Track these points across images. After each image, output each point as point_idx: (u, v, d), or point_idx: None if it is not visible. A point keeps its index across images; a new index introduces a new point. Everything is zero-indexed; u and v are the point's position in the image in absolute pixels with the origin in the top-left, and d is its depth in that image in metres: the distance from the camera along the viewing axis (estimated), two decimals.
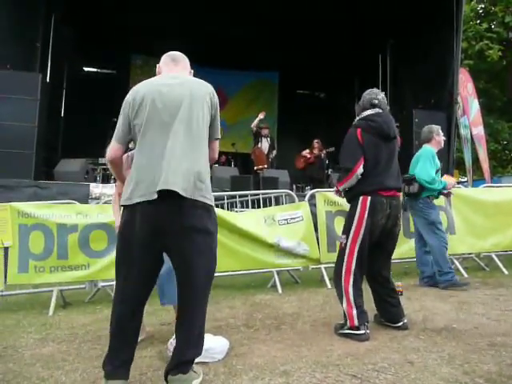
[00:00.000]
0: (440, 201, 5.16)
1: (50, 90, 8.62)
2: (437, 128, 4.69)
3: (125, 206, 2.17)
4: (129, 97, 2.27)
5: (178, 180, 2.04)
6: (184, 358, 2.11)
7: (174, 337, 2.39)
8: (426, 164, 4.41)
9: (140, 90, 2.25)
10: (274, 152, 9.74)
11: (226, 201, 5.47)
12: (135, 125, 2.21)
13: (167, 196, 2.02)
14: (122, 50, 12.13)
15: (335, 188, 3.30)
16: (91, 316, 3.84)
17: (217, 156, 2.49)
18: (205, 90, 2.32)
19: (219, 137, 2.45)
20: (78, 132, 10.68)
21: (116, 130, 2.28)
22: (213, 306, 3.92)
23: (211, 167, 2.49)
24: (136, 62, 13.27)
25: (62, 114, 11.59)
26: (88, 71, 13.39)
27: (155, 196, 2.04)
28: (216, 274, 4.66)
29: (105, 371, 2.12)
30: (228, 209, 5.45)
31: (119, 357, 2.14)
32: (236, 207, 5.76)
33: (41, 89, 7.59)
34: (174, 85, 2.26)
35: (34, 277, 4.19)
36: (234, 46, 11.42)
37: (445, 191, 4.57)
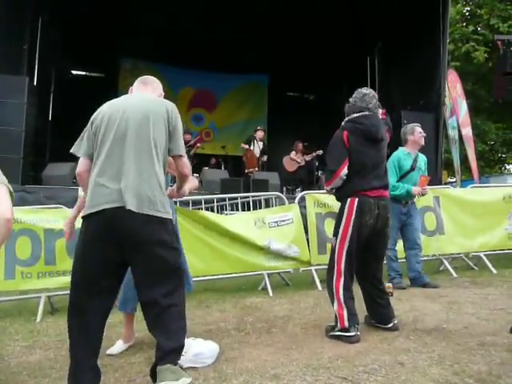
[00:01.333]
0: (428, 201, 5.21)
1: (37, 94, 8.53)
2: (411, 127, 4.64)
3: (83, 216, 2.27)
4: (93, 116, 2.40)
5: (131, 196, 2.14)
6: (168, 347, 2.14)
7: None
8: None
9: (102, 110, 2.39)
10: (265, 157, 9.75)
11: (215, 204, 5.45)
12: (96, 140, 2.32)
13: (124, 211, 2.12)
14: (110, 53, 12.04)
15: (325, 187, 3.31)
16: None
17: (187, 171, 2.49)
18: (162, 107, 2.39)
19: (182, 153, 2.43)
20: (66, 135, 10.54)
21: (82, 146, 2.38)
22: (203, 310, 3.90)
23: (176, 182, 2.61)
24: (125, 66, 13.19)
25: (50, 118, 11.46)
26: (76, 74, 13.29)
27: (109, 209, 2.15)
28: (206, 278, 4.69)
29: None
30: (218, 212, 5.43)
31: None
32: (226, 210, 5.74)
33: (28, 92, 7.51)
34: (131, 103, 2.39)
35: (21, 283, 4.13)
36: (224, 49, 11.43)
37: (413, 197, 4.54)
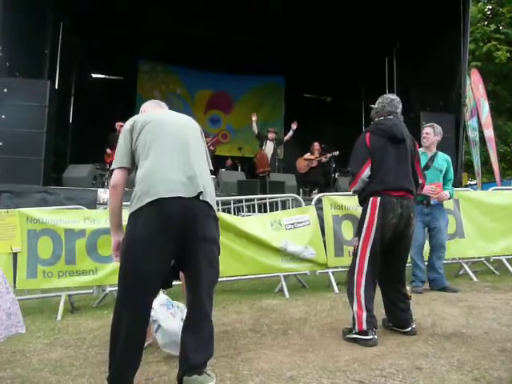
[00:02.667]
0: (448, 204, 5.12)
1: (58, 97, 8.71)
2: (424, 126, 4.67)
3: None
4: (126, 127, 2.38)
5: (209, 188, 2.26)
6: (195, 361, 2.10)
7: None
8: None
9: (138, 119, 2.39)
10: (280, 155, 9.73)
11: (232, 205, 5.47)
12: (143, 145, 2.28)
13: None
14: (129, 55, 12.21)
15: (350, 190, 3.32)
16: (99, 321, 3.85)
17: None
18: (196, 123, 2.57)
19: (212, 168, 2.56)
20: (85, 138, 10.77)
21: (121, 159, 2.33)
22: (219, 311, 3.91)
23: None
24: (143, 68, 13.36)
25: (71, 120, 11.68)
26: (96, 77, 13.50)
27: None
28: (223, 279, 4.72)
29: None
30: (234, 213, 5.45)
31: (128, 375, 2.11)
32: (242, 211, 5.76)
33: (49, 95, 7.65)
34: (169, 114, 2.54)
35: (43, 282, 4.22)
36: (240, 51, 11.45)
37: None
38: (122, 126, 9.18)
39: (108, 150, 9.02)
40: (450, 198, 4.62)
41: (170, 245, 2.11)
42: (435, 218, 4.51)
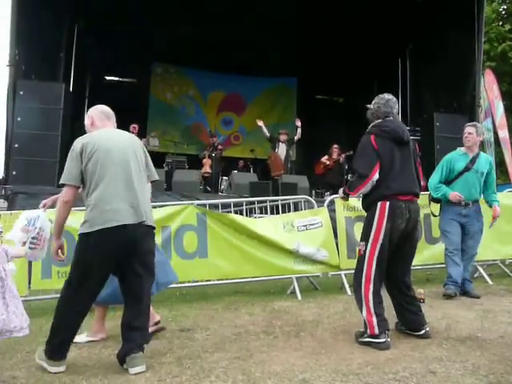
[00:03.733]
0: None
1: (72, 99, 8.83)
2: (465, 126, 4.55)
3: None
4: (78, 147, 2.68)
5: (142, 213, 2.66)
6: (141, 341, 2.63)
7: None
8: (434, 171, 4.49)
9: (90, 141, 2.70)
10: (292, 157, 9.71)
11: (244, 207, 5.47)
12: (93, 167, 2.63)
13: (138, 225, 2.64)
14: (142, 58, 12.33)
15: (341, 191, 3.27)
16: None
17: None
18: (138, 141, 2.95)
19: (157, 178, 3.03)
20: None
21: (72, 176, 2.67)
22: (232, 313, 3.92)
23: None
24: (156, 70, 13.48)
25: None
26: (110, 80, 13.67)
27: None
28: (235, 281, 4.72)
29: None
30: (247, 215, 5.45)
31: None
32: (255, 213, 5.76)
33: (64, 98, 7.76)
34: (116, 135, 2.83)
35: (57, 282, 4.25)
36: (253, 53, 11.48)
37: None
38: (135, 128, 9.28)
39: None
40: None
41: (115, 261, 2.63)
42: (471, 221, 4.35)
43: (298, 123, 9.35)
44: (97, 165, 2.62)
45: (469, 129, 4.45)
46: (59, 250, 2.85)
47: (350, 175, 9.83)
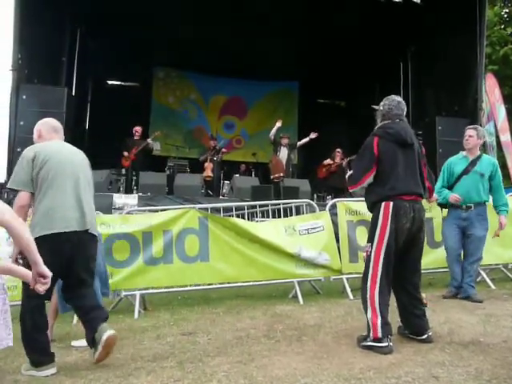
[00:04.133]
0: None
1: (75, 104, 8.86)
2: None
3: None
4: (29, 155, 2.83)
5: (88, 222, 2.88)
6: (104, 315, 2.84)
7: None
8: (439, 177, 4.52)
9: (42, 151, 2.86)
10: (293, 160, 9.69)
11: (246, 211, 5.48)
12: (44, 175, 2.79)
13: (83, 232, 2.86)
14: (144, 62, 12.38)
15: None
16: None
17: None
18: (85, 157, 3.15)
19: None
20: (102, 143, 10.93)
21: (25, 182, 2.79)
22: (233, 316, 3.92)
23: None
24: (158, 74, 13.52)
25: (87, 127, 11.88)
26: (112, 84, 13.71)
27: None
28: (236, 284, 4.72)
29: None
30: (248, 218, 5.45)
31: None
32: (256, 217, 5.76)
33: (67, 102, 7.80)
34: (65, 149, 3.02)
35: None
36: (254, 56, 11.51)
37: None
38: (138, 130, 9.30)
39: (125, 153, 9.15)
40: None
41: (64, 264, 2.78)
42: (472, 225, 4.32)
43: (313, 136, 9.24)
44: (48, 174, 2.80)
45: (469, 131, 4.46)
46: (19, 255, 2.71)
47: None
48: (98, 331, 2.68)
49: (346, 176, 3.34)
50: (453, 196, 4.33)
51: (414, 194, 3.02)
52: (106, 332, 2.67)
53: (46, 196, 2.80)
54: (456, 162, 4.46)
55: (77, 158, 3.05)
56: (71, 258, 2.82)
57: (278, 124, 9.40)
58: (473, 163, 4.37)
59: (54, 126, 3.11)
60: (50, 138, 3.03)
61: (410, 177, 3.02)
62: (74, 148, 3.13)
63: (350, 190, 3.24)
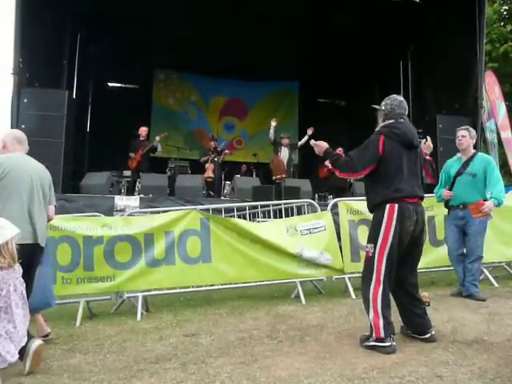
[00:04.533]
0: None
1: (76, 106, 8.88)
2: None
3: None
4: None
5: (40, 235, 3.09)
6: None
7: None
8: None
9: (3, 162, 3.02)
10: (294, 160, 9.67)
11: (247, 211, 5.48)
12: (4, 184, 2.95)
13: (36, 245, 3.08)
14: (144, 64, 12.40)
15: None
16: (117, 327, 3.88)
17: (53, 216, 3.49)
18: (47, 171, 3.32)
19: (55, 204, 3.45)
20: (103, 146, 10.95)
21: None
22: (236, 317, 3.92)
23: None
24: (158, 76, 13.54)
25: (88, 129, 11.89)
26: (112, 86, 13.72)
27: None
28: (239, 285, 4.72)
29: None
30: (250, 219, 5.46)
31: None
32: (258, 217, 5.76)
33: (68, 105, 7.82)
34: (27, 163, 3.16)
35: (62, 288, 4.27)
36: (254, 57, 11.51)
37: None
38: (144, 131, 9.27)
39: (131, 154, 9.09)
40: (498, 205, 4.23)
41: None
42: (469, 223, 4.32)
43: (310, 132, 9.14)
44: (6, 187, 2.96)
45: (461, 132, 4.50)
46: None
47: (353, 178, 9.81)
48: (29, 343, 2.71)
49: (341, 160, 3.24)
50: (444, 192, 4.45)
51: (417, 196, 3.03)
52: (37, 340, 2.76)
53: (5, 208, 2.95)
54: (451, 165, 4.53)
55: (35, 171, 3.17)
56: (29, 262, 2.96)
57: (273, 123, 9.39)
58: (465, 165, 4.42)
59: (19, 138, 3.23)
60: (14, 150, 3.16)
61: (413, 180, 3.03)
62: (34, 161, 3.25)
63: (340, 176, 3.25)
